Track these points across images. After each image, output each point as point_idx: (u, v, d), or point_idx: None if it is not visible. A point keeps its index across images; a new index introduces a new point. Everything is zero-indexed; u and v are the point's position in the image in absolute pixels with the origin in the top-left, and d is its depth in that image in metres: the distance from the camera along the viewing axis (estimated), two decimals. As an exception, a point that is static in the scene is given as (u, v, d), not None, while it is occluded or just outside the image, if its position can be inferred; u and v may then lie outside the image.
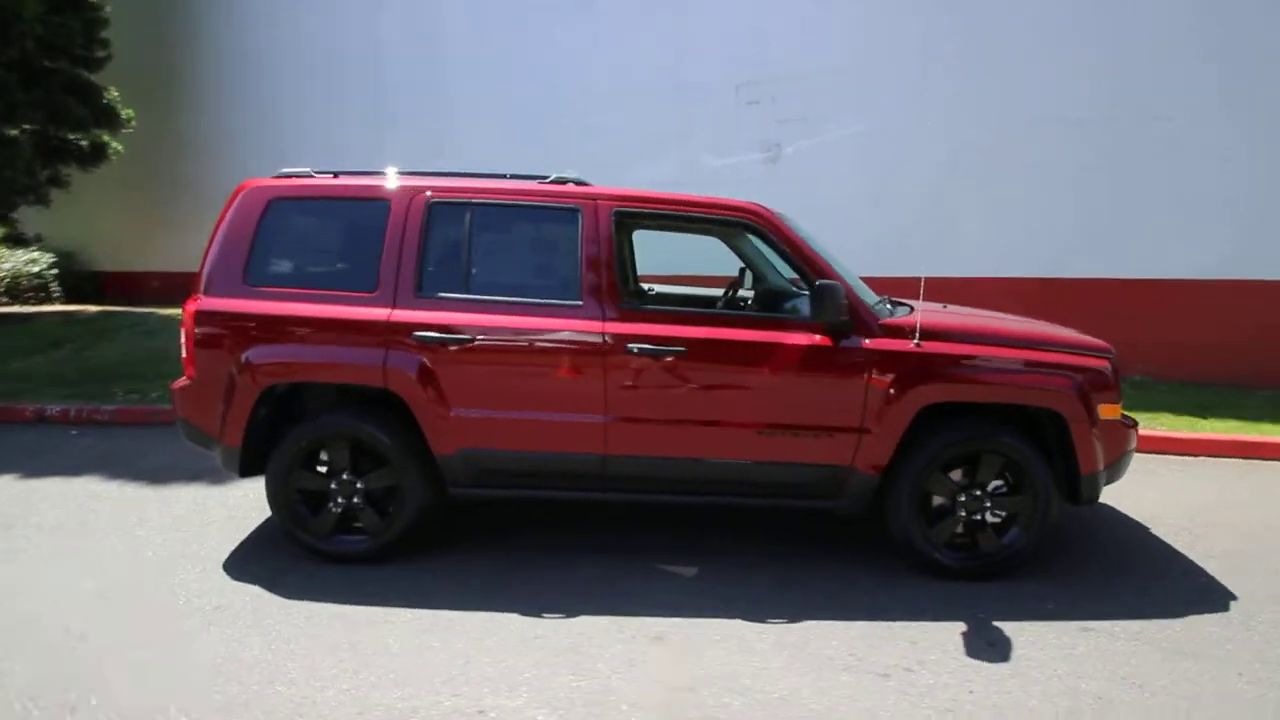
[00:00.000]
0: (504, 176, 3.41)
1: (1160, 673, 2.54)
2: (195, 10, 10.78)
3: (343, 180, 3.30)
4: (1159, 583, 3.22)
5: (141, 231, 11.38)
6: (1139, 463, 3.38)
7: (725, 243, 4.40)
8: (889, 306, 3.48)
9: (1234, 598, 3.08)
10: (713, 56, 8.11)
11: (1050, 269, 7.17)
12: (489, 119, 9.05)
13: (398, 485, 3.18)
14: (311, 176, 3.31)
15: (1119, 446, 3.21)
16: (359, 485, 3.20)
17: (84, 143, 9.29)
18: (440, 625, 2.78)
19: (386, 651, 2.60)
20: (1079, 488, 3.16)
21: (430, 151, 8.64)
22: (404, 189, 3.20)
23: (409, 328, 3.05)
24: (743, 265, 4.44)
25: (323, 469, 3.26)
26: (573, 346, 3.07)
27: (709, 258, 4.70)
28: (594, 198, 3.17)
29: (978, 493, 3.14)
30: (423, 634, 2.72)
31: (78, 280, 11.29)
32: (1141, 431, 3.62)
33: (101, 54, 9.12)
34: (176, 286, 11.08)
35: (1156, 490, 4.30)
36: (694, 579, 3.19)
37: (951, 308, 3.73)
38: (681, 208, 3.27)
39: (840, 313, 2.97)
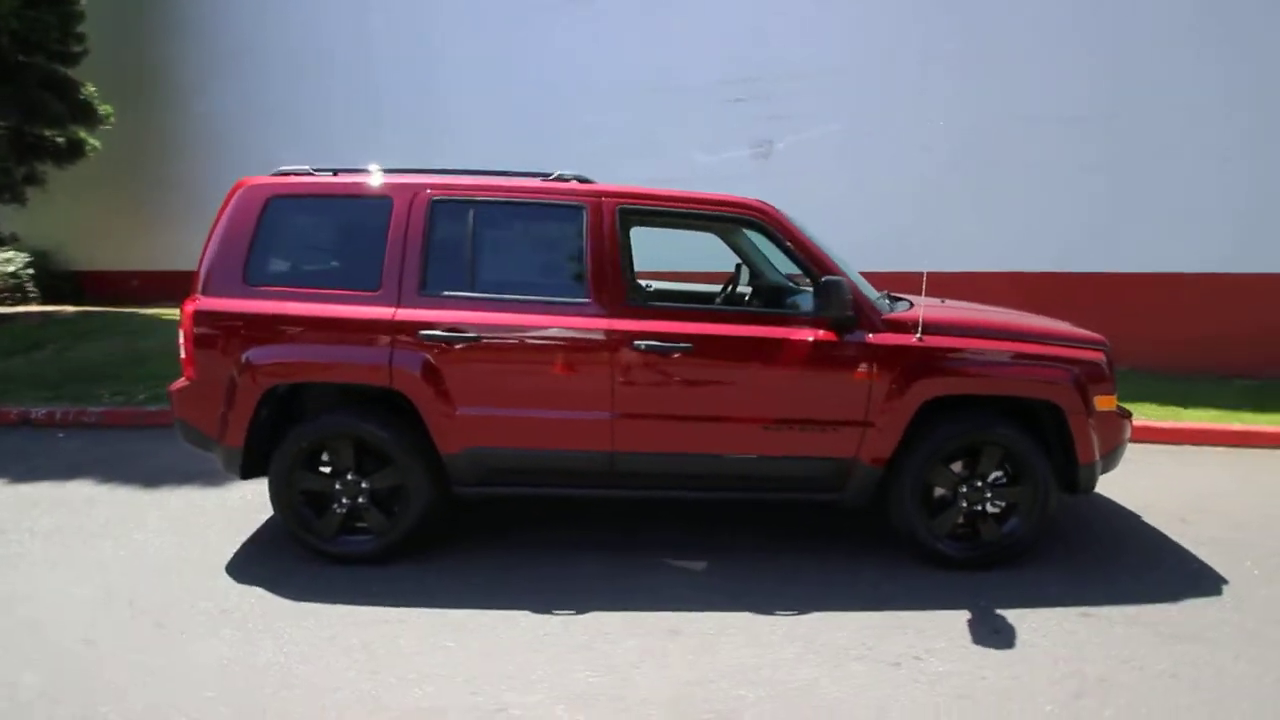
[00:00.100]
0: (505, 174, 3.39)
1: (1159, 656, 2.61)
2: (175, 5, 10.56)
3: (343, 178, 3.26)
4: (1153, 569, 3.31)
5: (120, 230, 11.15)
6: (1128, 452, 3.47)
7: (723, 239, 4.43)
8: (888, 302, 3.53)
9: (1225, 582, 3.18)
10: (706, 56, 8.11)
11: (1035, 265, 7.29)
12: (480, 117, 8.98)
13: (403, 485, 3.16)
14: (310, 174, 3.27)
15: (1114, 437, 3.29)
16: (363, 485, 3.18)
17: (60, 139, 9.06)
18: (452, 624, 2.78)
19: (400, 652, 2.60)
20: (1077, 478, 3.23)
21: (421, 150, 8.55)
22: (406, 186, 3.17)
23: (414, 326, 3.03)
24: (739, 261, 4.47)
25: (324, 469, 3.23)
26: (579, 344, 3.07)
27: (700, 254, 4.74)
28: (599, 195, 3.17)
29: (978, 484, 3.20)
30: (435, 633, 2.72)
31: (54, 280, 11.04)
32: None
33: (78, 48, 8.90)
34: (157, 286, 10.99)
35: (1146, 479, 4.40)
36: (703, 573, 3.22)
37: (949, 302, 3.79)
38: (686, 205, 3.28)
39: (845, 308, 3.00)
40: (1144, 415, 5.48)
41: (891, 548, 3.40)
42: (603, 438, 3.09)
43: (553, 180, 3.27)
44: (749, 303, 4.16)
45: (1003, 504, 3.24)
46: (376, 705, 2.30)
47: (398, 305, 3.06)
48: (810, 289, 3.75)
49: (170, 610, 2.87)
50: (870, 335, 3.11)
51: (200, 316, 3.10)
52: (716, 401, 3.10)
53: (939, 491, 3.25)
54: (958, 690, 2.40)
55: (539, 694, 2.36)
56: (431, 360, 3.04)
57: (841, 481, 3.20)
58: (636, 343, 3.04)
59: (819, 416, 3.10)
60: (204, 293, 3.14)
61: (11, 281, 10.49)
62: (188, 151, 10.64)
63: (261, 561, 3.29)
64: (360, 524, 3.25)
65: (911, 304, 3.47)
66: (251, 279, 3.12)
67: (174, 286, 10.70)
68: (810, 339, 3.08)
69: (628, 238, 3.19)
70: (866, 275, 3.67)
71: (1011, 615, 2.87)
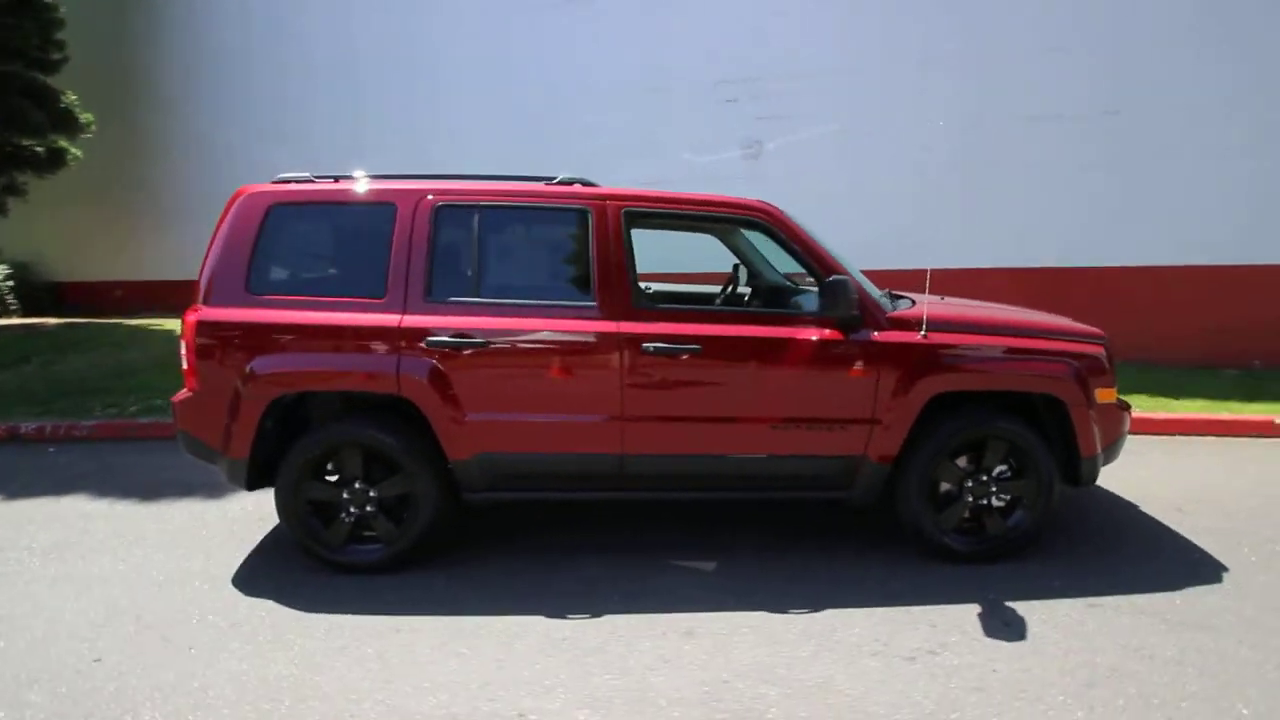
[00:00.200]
0: (507, 178, 3.39)
1: (1167, 644, 2.66)
2: (157, 10, 10.43)
3: (344, 185, 3.24)
4: (1153, 558, 3.36)
5: (103, 240, 11.01)
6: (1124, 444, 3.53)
7: (720, 239, 4.45)
8: (890, 300, 3.56)
9: (1225, 569, 3.24)
10: (703, 56, 8.14)
11: (1031, 261, 7.39)
12: (473, 119, 8.95)
13: (411, 492, 3.14)
14: (312, 181, 3.24)
15: (1115, 429, 3.35)
16: (372, 494, 3.16)
17: (41, 149, 8.93)
18: (465, 631, 2.77)
19: (416, 660, 2.58)
20: (1079, 470, 3.28)
21: (412, 154, 8.50)
22: (409, 192, 3.16)
23: (422, 333, 3.02)
24: (736, 262, 4.49)
25: (330, 479, 3.20)
26: (588, 347, 3.07)
27: (689, 255, 4.76)
28: (603, 198, 3.17)
29: (983, 478, 3.24)
30: (449, 640, 2.71)
31: (35, 291, 10.87)
32: (1124, 414, 3.77)
33: (58, 56, 8.78)
34: (141, 296, 10.83)
35: (1142, 470, 4.48)
36: (712, 574, 3.23)
37: (949, 299, 3.83)
38: (691, 206, 3.30)
39: (852, 307, 3.03)
40: (1137, 407, 5.54)
41: (896, 543, 3.43)
42: (612, 440, 3.10)
43: (556, 184, 3.27)
44: (749, 303, 4.18)
45: (1007, 497, 3.28)
46: (396, 714, 2.28)
47: (404, 312, 3.04)
48: (812, 289, 3.80)
49: (177, 625, 2.83)
50: (876, 333, 3.14)
51: (203, 326, 3.06)
52: (725, 402, 3.11)
53: (944, 486, 3.28)
54: (972, 683, 2.43)
55: (558, 699, 2.36)
56: (439, 367, 3.02)
57: (849, 479, 3.23)
58: (645, 345, 3.05)
59: (827, 415, 3.13)
60: (206, 302, 3.11)
61: (-8, 294, 10.32)
62: (171, 159, 10.52)
63: (268, 573, 3.25)
64: (368, 533, 3.23)
65: (913, 302, 3.50)
66: (254, 288, 3.09)
67: (159, 296, 10.65)
68: (817, 338, 3.11)
69: (632, 240, 3.19)
70: (864, 274, 3.70)
71: (1020, 608, 2.91)
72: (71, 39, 8.97)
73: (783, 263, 4.37)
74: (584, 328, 3.07)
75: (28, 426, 5.52)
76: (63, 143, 9.02)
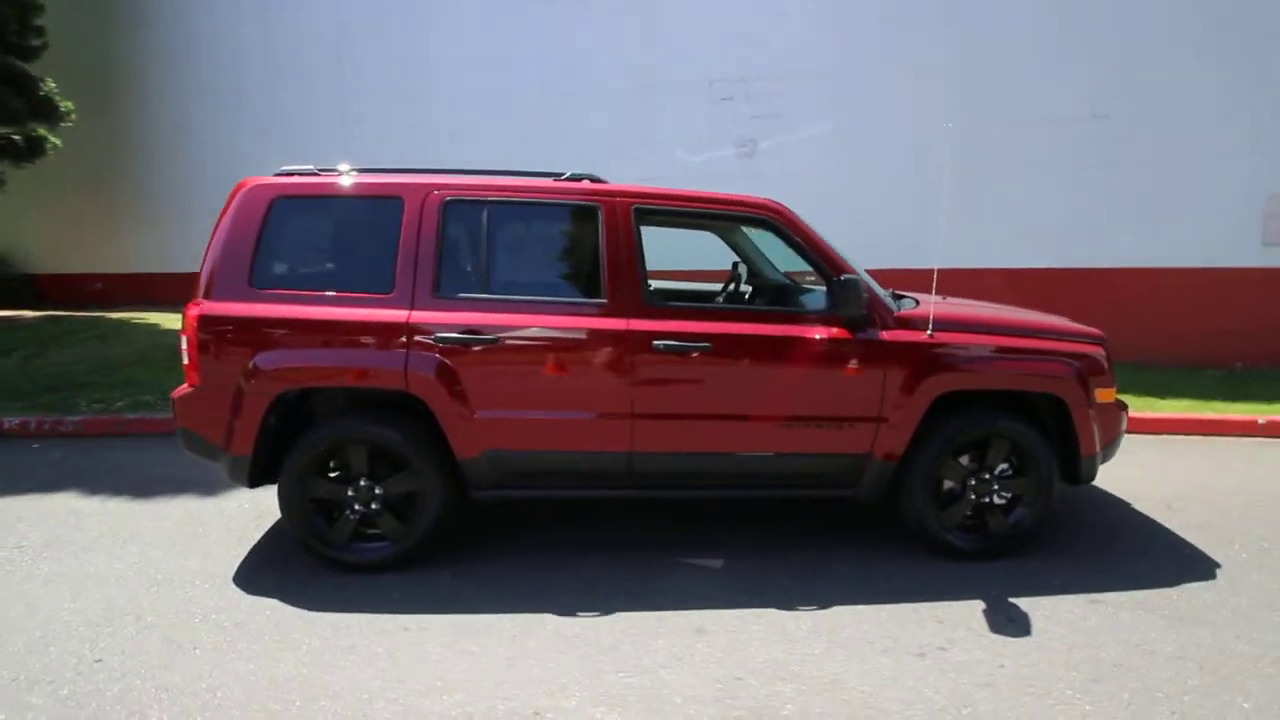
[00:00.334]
0: (514, 173, 3.36)
1: (1167, 639, 2.71)
2: (140, -5, 10.19)
3: (350, 178, 3.19)
4: (1148, 555, 3.43)
5: (82, 231, 10.77)
6: (1116, 443, 3.60)
7: (721, 237, 4.46)
8: (893, 299, 3.59)
9: (1218, 566, 3.32)
10: (698, 55, 8.12)
11: (1024, 261, 7.49)
12: (465, 116, 8.85)
13: (418, 490, 3.11)
14: (316, 174, 3.19)
15: (1113, 429, 3.41)
16: (377, 491, 3.12)
17: (19, 137, 8.70)
18: (475, 629, 2.75)
19: (427, 659, 2.56)
20: (1078, 468, 3.34)
21: (403, 149, 8.42)
22: (417, 186, 3.12)
23: (430, 329, 2.99)
24: (737, 260, 4.50)
25: (333, 476, 3.16)
26: (598, 344, 3.06)
27: (684, 253, 4.76)
28: (613, 195, 3.16)
29: (986, 476, 3.29)
30: (459, 639, 2.69)
31: (11, 284, 10.61)
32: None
33: (37, 42, 8.56)
34: (122, 289, 10.61)
35: (1132, 469, 4.56)
36: (720, 571, 3.24)
37: (951, 299, 3.88)
38: (701, 204, 3.30)
39: (861, 306, 3.06)
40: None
41: (897, 540, 3.47)
42: (621, 438, 3.09)
43: (565, 180, 3.25)
44: (751, 301, 4.20)
45: (1009, 495, 3.33)
46: (411, 714, 2.26)
47: (412, 307, 3.01)
48: (816, 288, 3.83)
49: (180, 625, 2.78)
50: (883, 333, 3.17)
51: (205, 321, 3.01)
52: (734, 400, 3.12)
53: (948, 484, 3.32)
54: (982, 679, 2.46)
55: (574, 698, 2.35)
56: (448, 363, 3.00)
57: (855, 477, 3.25)
58: (655, 343, 3.04)
59: (835, 413, 3.15)
60: (208, 296, 3.05)
61: (-34, 286, 10.05)
62: (155, 150, 10.30)
63: (270, 572, 3.21)
64: (372, 530, 3.19)
65: (917, 301, 3.54)
66: (258, 282, 3.04)
67: (142, 289, 10.44)
68: (826, 337, 3.12)
69: (641, 238, 3.18)
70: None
71: (1023, 604, 2.95)
72: (52, 25, 8.75)
73: (783, 261, 4.41)
74: (594, 325, 3.06)
75: (11, 421, 5.38)
76: (42, 131, 8.80)
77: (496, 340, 3.02)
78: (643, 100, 8.28)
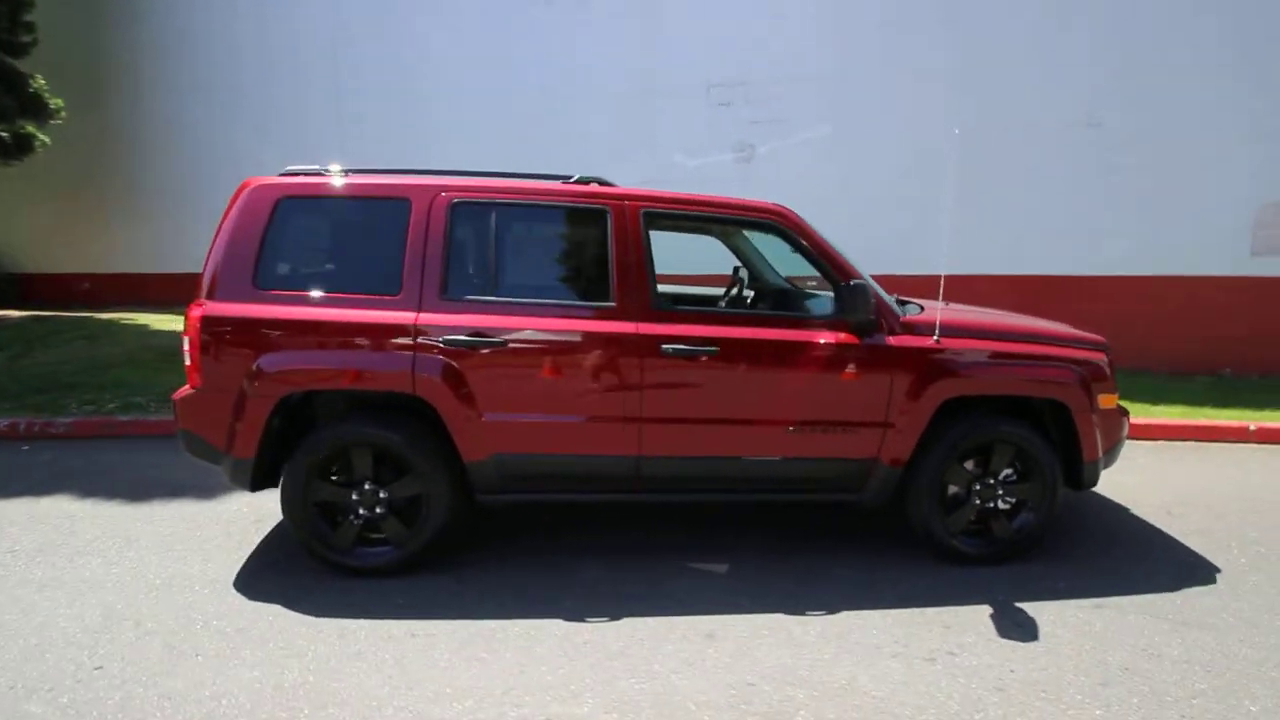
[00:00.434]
0: (520, 176, 3.35)
1: (1172, 643, 2.74)
2: (132, -8, 10.07)
3: (356, 178, 3.17)
4: (1149, 559, 3.46)
5: (70, 230, 10.61)
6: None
7: (724, 242, 4.47)
8: (898, 305, 3.60)
9: (1218, 570, 3.35)
10: (696, 59, 8.14)
11: (1020, 269, 7.56)
12: (462, 118, 8.82)
13: (424, 494, 3.08)
14: (321, 174, 3.16)
15: (1115, 434, 3.44)
16: (382, 495, 3.09)
17: (6, 135, 8.55)
18: (483, 635, 2.72)
19: (435, 665, 2.53)
20: (1081, 474, 3.37)
21: (401, 150, 8.37)
22: (425, 188, 3.10)
23: (438, 331, 2.96)
24: (738, 264, 4.51)
25: (336, 479, 3.12)
26: (607, 348, 3.05)
27: (681, 257, 4.75)
28: (622, 198, 3.16)
29: (991, 481, 3.30)
30: (467, 645, 2.66)
31: (-2, 283, 10.42)
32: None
33: (27, 38, 8.43)
34: (110, 289, 10.46)
35: (1129, 474, 4.61)
36: (725, 576, 3.23)
37: (953, 305, 3.89)
38: (709, 208, 3.30)
39: (869, 311, 3.06)
40: (1118, 413, 5.75)
41: (901, 545, 3.48)
42: (629, 442, 3.08)
43: (573, 183, 3.24)
44: (753, 306, 4.20)
45: (1012, 500, 3.35)
46: (420, 722, 2.24)
47: (419, 310, 2.99)
48: (819, 292, 3.84)
49: (181, 631, 2.73)
50: (890, 338, 3.18)
51: (208, 322, 2.96)
52: (742, 404, 3.12)
53: (952, 489, 3.33)
54: (993, 683, 2.47)
55: (585, 704, 2.33)
56: (456, 366, 2.97)
57: (861, 482, 3.26)
58: (664, 347, 3.03)
59: (842, 418, 3.15)
60: (211, 297, 3.01)
61: (-49, 285, 9.88)
62: (147, 147, 10.18)
63: (271, 577, 3.16)
64: (375, 535, 3.16)
65: (922, 307, 3.55)
66: (262, 283, 3.00)
67: (131, 289, 10.30)
68: (834, 342, 3.13)
69: (651, 241, 3.18)
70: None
71: (1029, 608, 2.96)
72: (42, 21, 8.63)
73: (785, 266, 4.42)
74: (603, 328, 3.04)
75: (0, 423, 5.28)
76: (30, 128, 8.65)
77: (504, 343, 3.00)
78: (642, 103, 8.29)
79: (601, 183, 3.29)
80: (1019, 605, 2.99)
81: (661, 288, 4.53)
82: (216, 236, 3.07)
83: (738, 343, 3.10)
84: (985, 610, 2.95)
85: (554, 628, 2.78)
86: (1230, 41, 6.99)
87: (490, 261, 3.09)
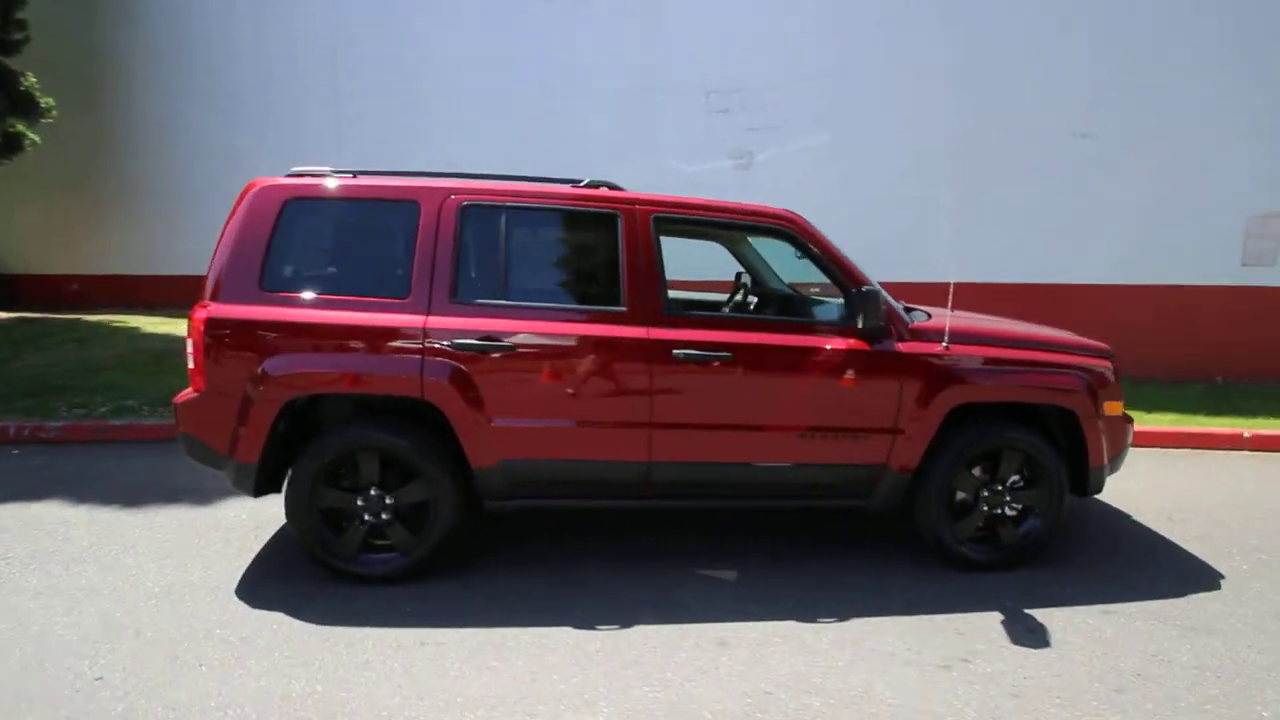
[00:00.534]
0: (530, 179, 3.33)
1: (1182, 649, 2.75)
2: (125, -11, 9.95)
3: (364, 180, 3.13)
4: (1152, 565, 3.48)
5: (59, 230, 10.44)
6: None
7: (728, 248, 4.47)
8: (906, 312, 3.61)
9: (1221, 576, 3.37)
10: (695, 64, 8.15)
11: (1018, 276, 7.61)
12: (460, 119, 8.78)
13: (432, 499, 3.04)
14: (329, 176, 3.13)
15: (1120, 441, 3.47)
16: (388, 500, 3.05)
17: (-5, 133, 8.42)
18: (493, 643, 2.69)
19: (445, 674, 2.49)
20: (1086, 480, 3.38)
21: (398, 152, 8.31)
22: (434, 190, 3.07)
23: (448, 335, 2.93)
24: (740, 270, 4.52)
25: (341, 485, 3.08)
26: (618, 353, 3.03)
27: (687, 263, 4.75)
28: (633, 203, 3.14)
29: (998, 488, 3.31)
30: (477, 653, 2.62)
31: (-17, 284, 10.24)
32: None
33: (19, 36, 8.30)
34: (99, 290, 10.30)
35: (1129, 481, 4.62)
36: (734, 583, 3.21)
37: (959, 312, 3.91)
38: (719, 214, 3.29)
39: (880, 317, 3.07)
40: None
41: (910, 551, 3.48)
42: (640, 448, 3.06)
43: (583, 186, 3.23)
44: (757, 311, 4.20)
45: (1019, 507, 3.36)
46: (434, 732, 2.20)
47: (428, 313, 2.95)
48: (824, 299, 3.85)
49: (183, 641, 2.67)
50: (899, 344, 3.18)
51: (213, 324, 2.91)
52: (754, 410, 3.10)
53: (960, 496, 3.34)
54: (1008, 690, 2.47)
55: (601, 713, 2.30)
56: (465, 370, 2.94)
57: (870, 488, 3.25)
58: (675, 352, 3.02)
59: (852, 424, 3.15)
60: (215, 299, 2.96)
61: (-65, 286, 9.69)
62: (140, 148, 10.04)
63: (274, 584, 3.10)
64: (380, 541, 3.11)
65: (928, 314, 3.56)
66: (268, 285, 2.96)
67: (121, 291, 10.15)
68: (845, 348, 3.13)
69: (661, 246, 3.16)
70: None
71: (1039, 615, 2.97)
72: (35, 19, 8.51)
73: (788, 272, 4.43)
74: (614, 333, 3.02)
75: (-12, 427, 5.17)
76: (20, 127, 8.51)
77: (514, 347, 2.97)
78: (642, 103, 8.27)
79: (611, 186, 3.27)
80: (1028, 611, 2.99)
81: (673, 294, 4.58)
82: (221, 237, 3.03)
83: (750, 348, 3.09)
84: (996, 617, 2.95)
85: (564, 635, 2.75)
86: (1230, 41, 7.04)
87: (500, 265, 3.06)
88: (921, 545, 3.42)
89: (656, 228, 3.13)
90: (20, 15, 8.29)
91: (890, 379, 3.15)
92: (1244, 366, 7.33)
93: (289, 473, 3.08)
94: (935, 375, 3.17)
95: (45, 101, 8.56)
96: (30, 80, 8.39)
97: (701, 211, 3.28)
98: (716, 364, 3.05)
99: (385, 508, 3.05)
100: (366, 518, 3.05)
